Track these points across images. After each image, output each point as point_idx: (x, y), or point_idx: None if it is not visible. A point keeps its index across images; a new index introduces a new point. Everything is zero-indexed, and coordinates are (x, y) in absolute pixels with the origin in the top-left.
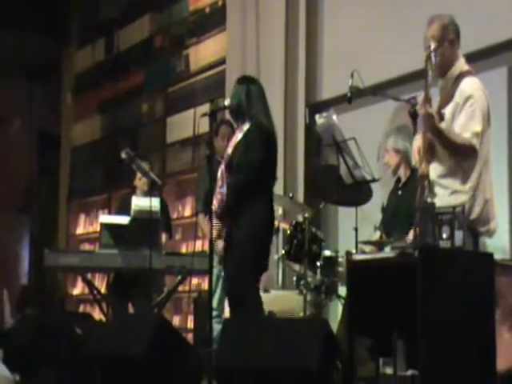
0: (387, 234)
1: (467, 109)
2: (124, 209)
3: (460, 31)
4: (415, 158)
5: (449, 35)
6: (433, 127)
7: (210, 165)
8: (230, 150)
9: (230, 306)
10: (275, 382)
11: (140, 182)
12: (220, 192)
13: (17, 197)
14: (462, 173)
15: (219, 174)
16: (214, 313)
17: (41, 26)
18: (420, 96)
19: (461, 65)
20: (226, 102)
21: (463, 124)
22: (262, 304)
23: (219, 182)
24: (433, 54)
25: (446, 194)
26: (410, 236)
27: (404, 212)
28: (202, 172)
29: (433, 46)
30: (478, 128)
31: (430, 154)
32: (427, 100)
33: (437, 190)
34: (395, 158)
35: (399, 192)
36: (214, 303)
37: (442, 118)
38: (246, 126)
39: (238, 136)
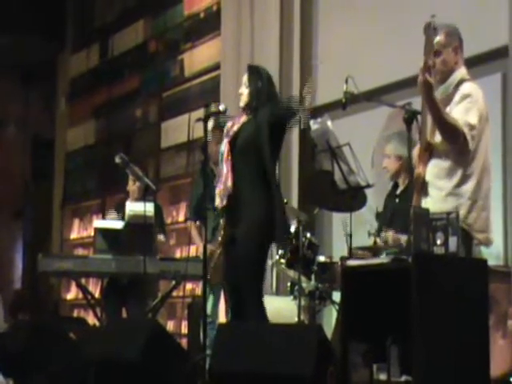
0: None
1: (464, 104)
2: (118, 213)
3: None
4: (416, 162)
5: (453, 42)
6: (429, 96)
7: (204, 170)
8: (235, 127)
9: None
10: None
11: (133, 187)
12: (222, 176)
13: (11, 201)
14: (459, 175)
15: (221, 154)
16: (208, 319)
17: (36, 31)
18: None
19: (463, 72)
20: (221, 107)
21: (457, 115)
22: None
23: (222, 170)
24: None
25: (441, 195)
26: (402, 240)
27: (401, 219)
28: (195, 178)
29: (438, 38)
30: (472, 121)
31: (427, 154)
32: (426, 68)
33: (432, 191)
34: (396, 164)
35: (396, 199)
36: (208, 310)
37: None
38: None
39: (244, 118)
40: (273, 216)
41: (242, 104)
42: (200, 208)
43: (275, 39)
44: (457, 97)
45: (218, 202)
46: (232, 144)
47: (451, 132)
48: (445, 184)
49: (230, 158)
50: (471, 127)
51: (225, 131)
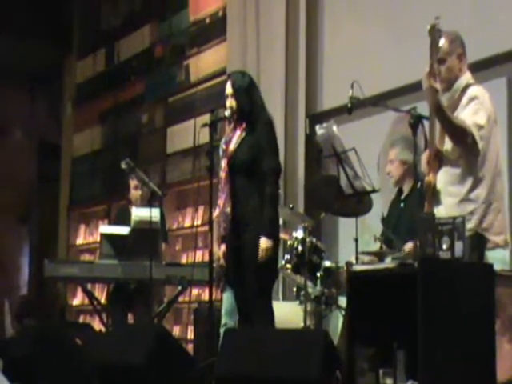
0: (388, 246)
1: (471, 106)
2: (120, 220)
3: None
4: (424, 169)
5: (456, 49)
6: (435, 102)
7: (211, 176)
8: (231, 147)
9: (242, 316)
10: None
11: (134, 193)
12: (221, 200)
13: (17, 207)
14: (471, 180)
15: (221, 173)
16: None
17: (42, 36)
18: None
19: (468, 78)
20: (227, 113)
21: (465, 117)
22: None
23: (221, 188)
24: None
25: (455, 202)
26: (407, 246)
27: (406, 224)
28: None
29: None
30: (480, 121)
31: (436, 162)
32: (432, 74)
33: (445, 198)
34: (400, 168)
35: (401, 204)
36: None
37: None
38: (255, 125)
39: (242, 133)
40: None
41: (234, 118)
42: None
43: (281, 44)
44: (464, 100)
45: (220, 228)
46: (231, 163)
47: (460, 134)
48: (458, 190)
49: (228, 180)
50: (480, 127)
51: (221, 151)
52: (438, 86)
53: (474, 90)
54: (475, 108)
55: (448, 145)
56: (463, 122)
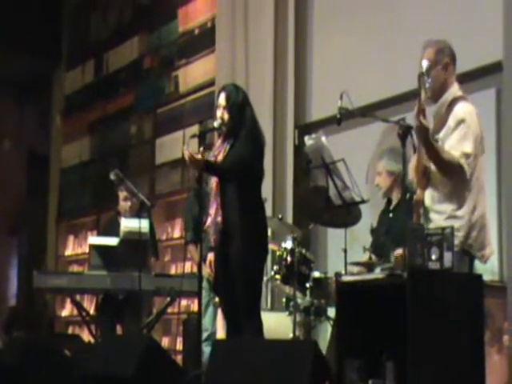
0: (378, 256)
1: (459, 131)
2: (108, 231)
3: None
4: (411, 176)
5: (443, 59)
6: (425, 139)
7: (200, 188)
8: (220, 157)
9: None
10: None
11: (124, 204)
12: (213, 210)
13: (6, 218)
14: (457, 199)
15: (213, 184)
16: (206, 333)
17: (31, 47)
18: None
19: (454, 90)
20: (216, 124)
21: (453, 144)
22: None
23: (212, 198)
24: (425, 75)
25: (442, 218)
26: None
27: (396, 234)
28: (190, 199)
29: (425, 64)
30: (467, 149)
31: (425, 179)
32: (421, 111)
33: (432, 215)
34: (388, 180)
35: (390, 214)
36: (206, 323)
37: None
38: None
39: (229, 145)
40: (264, 233)
41: (224, 130)
42: (199, 229)
43: (270, 55)
44: (451, 121)
45: (211, 238)
46: None
47: (449, 168)
48: (445, 208)
49: (218, 192)
50: (467, 156)
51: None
52: (427, 123)
53: (461, 111)
54: (462, 133)
55: None
56: (451, 156)
